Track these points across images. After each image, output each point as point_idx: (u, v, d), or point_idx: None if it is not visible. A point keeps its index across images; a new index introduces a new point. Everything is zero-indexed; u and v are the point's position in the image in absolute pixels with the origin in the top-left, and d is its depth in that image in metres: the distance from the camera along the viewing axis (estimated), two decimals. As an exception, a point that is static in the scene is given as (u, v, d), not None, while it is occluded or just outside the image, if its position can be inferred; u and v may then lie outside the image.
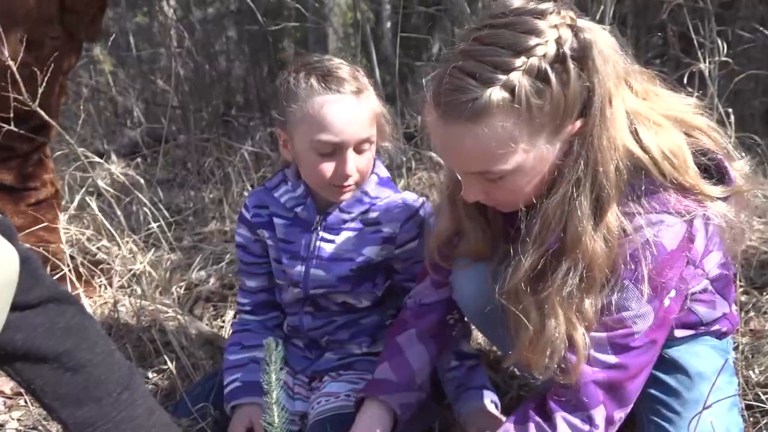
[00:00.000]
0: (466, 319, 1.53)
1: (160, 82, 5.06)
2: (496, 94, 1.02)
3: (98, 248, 2.36)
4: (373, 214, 1.57)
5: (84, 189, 2.52)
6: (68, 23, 2.08)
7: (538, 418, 1.18)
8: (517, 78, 1.01)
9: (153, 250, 2.46)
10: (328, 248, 1.58)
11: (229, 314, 2.22)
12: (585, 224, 1.09)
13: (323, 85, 1.40)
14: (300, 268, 1.59)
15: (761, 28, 3.03)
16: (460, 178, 1.20)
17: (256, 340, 1.66)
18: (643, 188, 1.12)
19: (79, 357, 1.19)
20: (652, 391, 1.32)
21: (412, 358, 1.43)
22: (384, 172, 1.61)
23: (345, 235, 1.57)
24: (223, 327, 2.18)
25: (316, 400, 1.58)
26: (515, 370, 1.62)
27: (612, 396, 1.15)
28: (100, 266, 2.25)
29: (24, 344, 1.14)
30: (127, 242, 2.30)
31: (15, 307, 1.13)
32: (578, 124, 1.08)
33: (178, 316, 2.10)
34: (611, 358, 1.14)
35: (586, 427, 1.14)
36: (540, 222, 1.12)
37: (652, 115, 1.13)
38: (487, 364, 1.72)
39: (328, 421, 1.48)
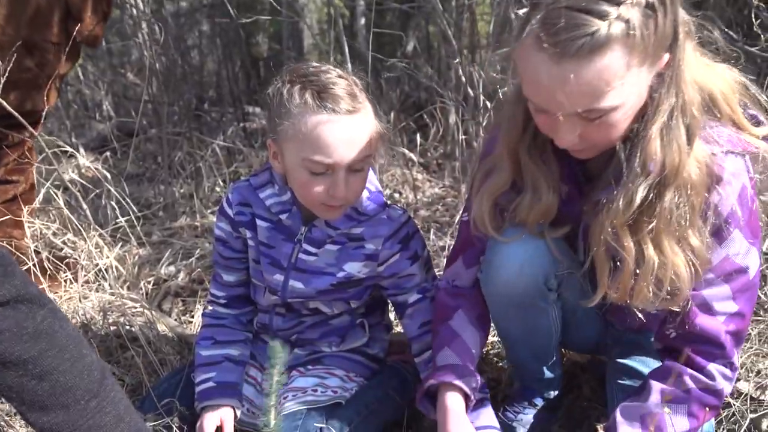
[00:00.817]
0: (489, 308, 1.48)
1: (130, 76, 4.99)
2: (614, 26, 1.03)
3: (64, 242, 2.32)
4: (358, 230, 1.52)
5: (49, 182, 2.47)
6: (70, 29, 2.10)
7: (690, 370, 1.25)
8: (629, 9, 1.04)
9: (120, 244, 2.42)
10: (309, 261, 1.53)
11: (199, 310, 2.21)
12: (683, 152, 1.13)
13: (318, 102, 1.33)
14: (279, 277, 1.55)
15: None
16: (545, 125, 1.18)
17: (230, 336, 1.64)
18: (710, 124, 1.18)
19: (46, 364, 1.16)
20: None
21: (468, 340, 1.41)
22: (375, 185, 1.55)
23: (327, 248, 1.52)
24: (192, 322, 2.17)
25: (283, 395, 1.58)
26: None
27: (737, 342, 1.26)
28: (66, 261, 2.22)
29: None
30: (93, 236, 2.26)
31: None
32: (668, 56, 1.12)
33: (146, 311, 2.08)
34: (733, 307, 1.23)
35: (730, 373, 1.27)
36: (642, 153, 1.14)
37: (702, 58, 1.21)
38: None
39: (296, 415, 1.48)
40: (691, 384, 1.25)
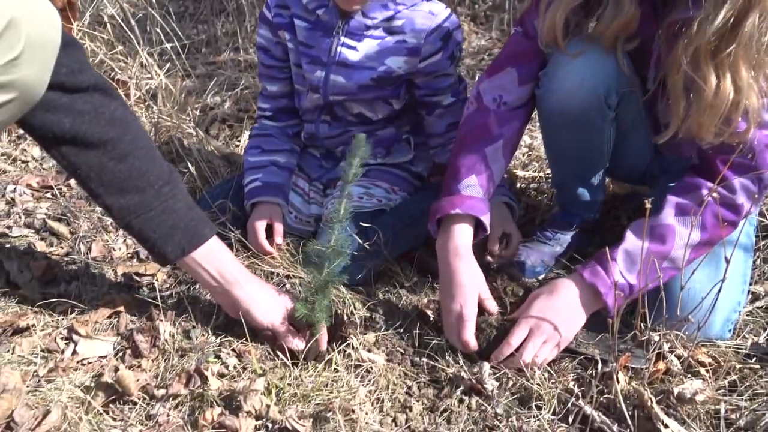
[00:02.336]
0: (543, 124, 1.48)
1: None
2: None
3: (111, 59, 2.34)
4: (398, 23, 1.53)
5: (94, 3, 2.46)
6: None
7: (710, 184, 1.26)
8: None
9: (168, 67, 2.44)
10: (349, 55, 1.56)
11: (245, 135, 2.25)
12: None
13: None
14: (320, 74, 1.59)
15: None
16: None
17: (275, 146, 1.70)
18: None
19: (124, 147, 1.22)
20: None
21: (496, 175, 1.40)
22: None
23: (368, 43, 1.55)
24: (239, 146, 2.22)
25: (330, 201, 1.65)
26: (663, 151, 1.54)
27: None
28: (117, 78, 2.25)
29: (71, 128, 1.17)
30: (141, 56, 2.28)
31: (65, 88, 1.15)
32: None
33: (196, 132, 2.13)
34: None
35: (755, 188, 1.26)
36: None
37: None
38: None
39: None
40: (707, 197, 1.25)
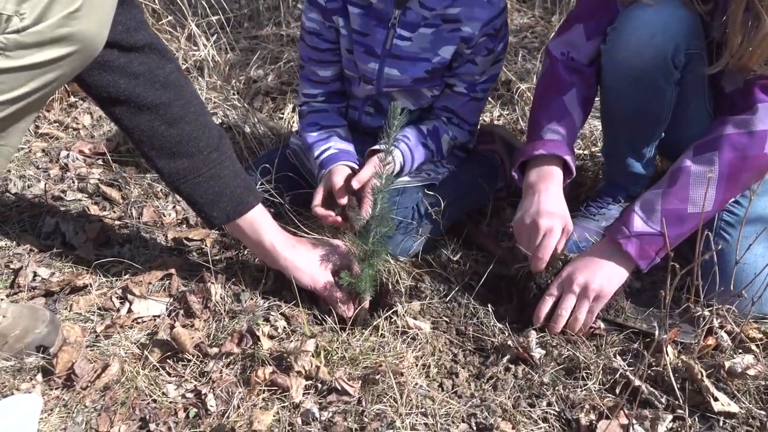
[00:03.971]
0: (604, 82, 1.46)
1: None
2: None
3: (159, 29, 2.37)
4: (454, 11, 1.46)
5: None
6: None
7: (734, 117, 1.26)
8: None
9: (215, 37, 2.46)
10: (404, 46, 1.50)
11: (289, 108, 2.27)
12: None
13: None
14: (374, 66, 1.54)
15: None
16: None
17: (333, 121, 1.65)
18: None
19: (175, 112, 1.24)
20: None
21: (577, 121, 1.43)
22: None
23: (421, 32, 1.49)
24: (282, 118, 2.24)
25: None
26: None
27: None
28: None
29: (126, 89, 1.19)
30: (190, 27, 2.31)
31: (121, 47, 1.17)
32: None
33: (241, 104, 2.16)
34: None
35: None
36: None
37: None
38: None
39: (393, 193, 1.52)
40: (730, 129, 1.23)
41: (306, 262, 1.36)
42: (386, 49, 1.53)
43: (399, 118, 1.18)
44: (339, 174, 1.50)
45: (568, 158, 1.35)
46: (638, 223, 1.27)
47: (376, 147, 1.50)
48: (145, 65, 1.21)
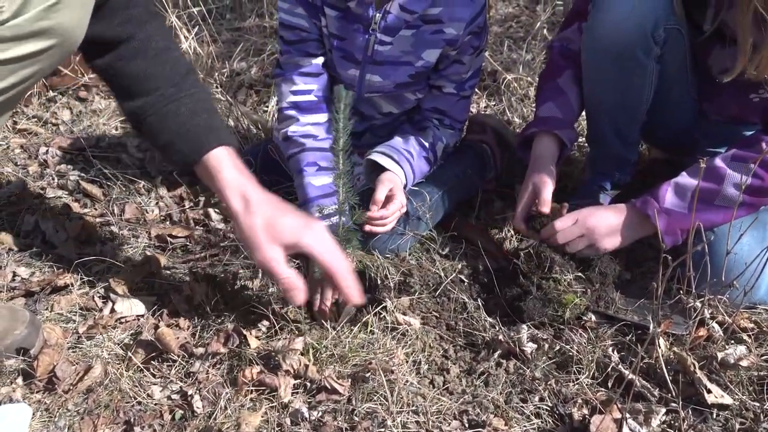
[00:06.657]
0: (586, 62, 1.44)
1: None
2: None
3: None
4: (435, 11, 1.40)
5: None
6: None
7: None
8: None
9: (197, 29, 2.41)
10: (384, 51, 1.45)
11: (272, 101, 2.23)
12: None
13: None
14: (354, 72, 1.49)
15: None
16: None
17: (328, 159, 1.47)
18: None
19: (134, 47, 1.18)
20: None
21: (572, 99, 1.49)
22: None
23: (402, 35, 1.43)
24: (266, 111, 2.20)
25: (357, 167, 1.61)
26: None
27: None
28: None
29: (89, 29, 1.10)
30: (170, 19, 2.26)
31: None
32: None
33: (224, 97, 2.12)
34: None
35: None
36: None
37: None
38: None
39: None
40: (765, 145, 1.25)
41: (260, 226, 1.12)
42: (368, 56, 1.47)
43: (345, 103, 1.13)
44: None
45: (558, 132, 1.42)
46: (670, 198, 1.30)
47: (376, 158, 1.48)
48: (107, 5, 1.14)
